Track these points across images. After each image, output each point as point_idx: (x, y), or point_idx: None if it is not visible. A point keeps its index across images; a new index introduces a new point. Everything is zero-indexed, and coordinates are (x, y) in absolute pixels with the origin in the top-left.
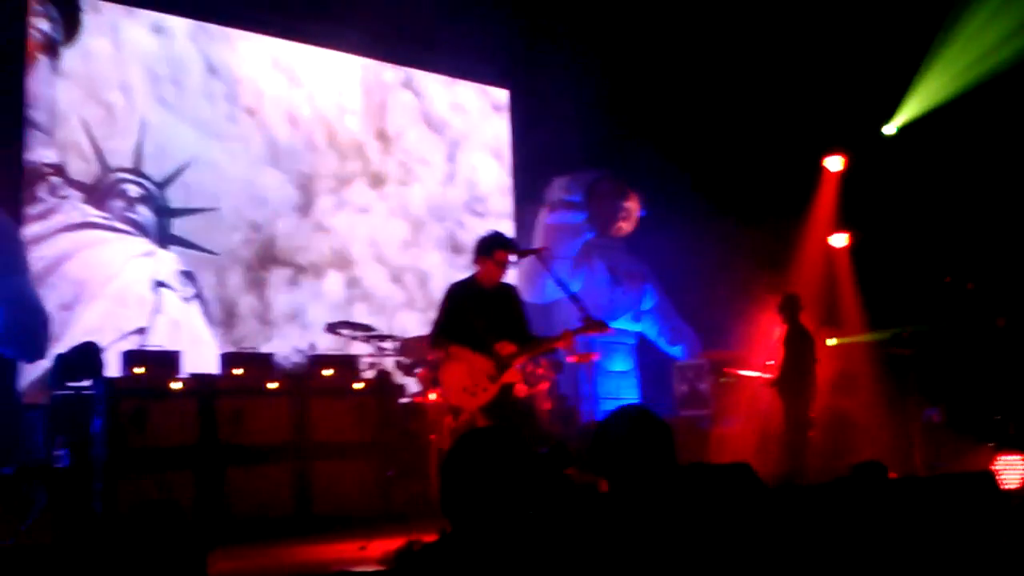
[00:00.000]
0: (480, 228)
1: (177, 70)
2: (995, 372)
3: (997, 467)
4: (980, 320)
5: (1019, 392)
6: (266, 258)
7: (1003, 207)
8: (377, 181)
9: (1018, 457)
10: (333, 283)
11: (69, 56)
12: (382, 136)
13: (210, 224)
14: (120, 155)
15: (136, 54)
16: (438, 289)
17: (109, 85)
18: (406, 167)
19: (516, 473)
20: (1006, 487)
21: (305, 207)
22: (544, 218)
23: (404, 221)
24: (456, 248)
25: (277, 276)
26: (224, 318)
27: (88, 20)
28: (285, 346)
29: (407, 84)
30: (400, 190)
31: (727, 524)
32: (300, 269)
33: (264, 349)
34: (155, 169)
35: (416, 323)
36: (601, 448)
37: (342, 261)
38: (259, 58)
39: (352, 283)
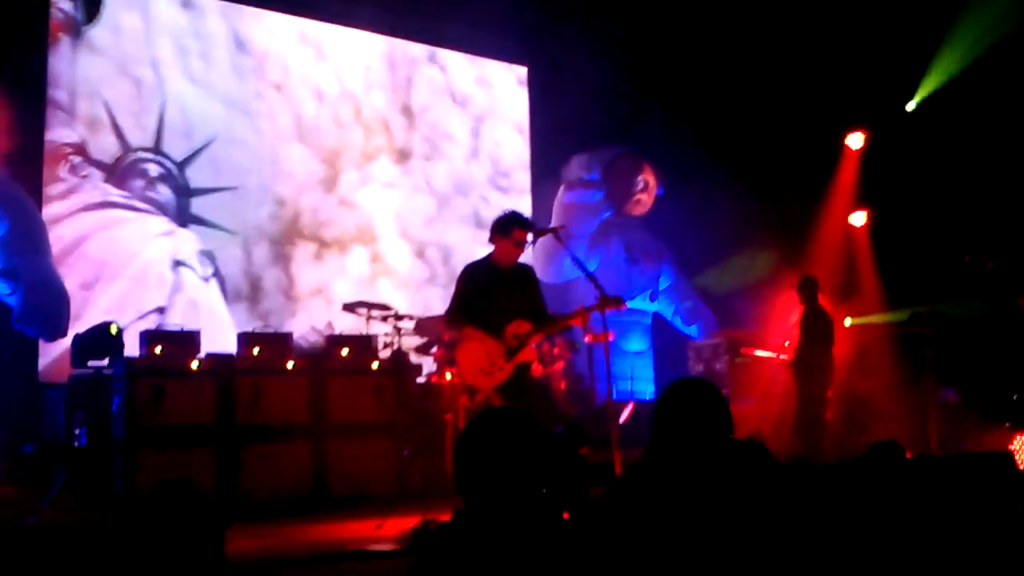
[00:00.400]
0: (504, 203)
1: (206, 45)
2: (1012, 352)
3: (1014, 447)
4: (1000, 299)
5: None
6: (291, 233)
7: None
8: (402, 156)
9: None
10: (357, 258)
11: (90, 36)
12: (407, 111)
13: (231, 202)
14: (141, 134)
15: (159, 32)
16: (461, 265)
17: (131, 64)
18: (431, 142)
19: (530, 453)
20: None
21: (330, 182)
22: (561, 196)
23: (428, 196)
24: (480, 223)
25: (302, 251)
26: (250, 292)
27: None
28: (310, 321)
29: (432, 59)
30: (424, 165)
31: (740, 502)
32: (324, 244)
33: (288, 324)
34: (176, 148)
35: (439, 299)
36: (662, 419)
37: (366, 236)
38: (285, 34)
39: (376, 258)
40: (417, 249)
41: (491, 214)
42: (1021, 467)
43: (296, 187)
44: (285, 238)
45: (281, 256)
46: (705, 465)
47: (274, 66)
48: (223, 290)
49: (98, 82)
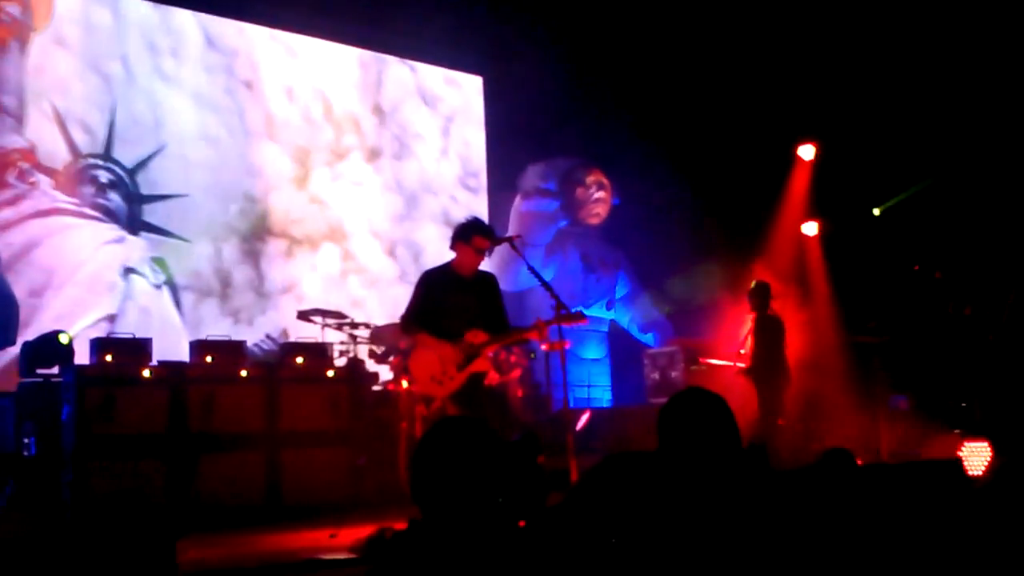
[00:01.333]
0: (473, 203)
1: (173, 42)
2: (961, 359)
3: (963, 454)
4: (947, 308)
5: (985, 379)
6: (261, 230)
7: (971, 198)
8: (372, 155)
9: (984, 444)
10: (328, 256)
11: (40, 41)
12: (377, 110)
13: (185, 208)
14: (91, 140)
15: (111, 35)
16: (431, 263)
17: (81, 69)
18: (400, 141)
19: (485, 462)
20: (972, 473)
21: (301, 180)
22: (518, 205)
23: (398, 195)
24: (449, 222)
25: (272, 248)
26: (220, 289)
27: (61, 4)
28: (280, 318)
29: (402, 59)
30: (394, 164)
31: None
32: (295, 241)
33: (259, 321)
34: (127, 154)
35: (408, 297)
36: (666, 429)
37: (337, 234)
38: (256, 32)
39: (346, 256)
40: (387, 247)
41: (460, 213)
42: (969, 474)
43: (266, 184)
44: (255, 235)
45: (251, 253)
46: (708, 475)
47: (244, 64)
48: (175, 297)
49: (48, 87)
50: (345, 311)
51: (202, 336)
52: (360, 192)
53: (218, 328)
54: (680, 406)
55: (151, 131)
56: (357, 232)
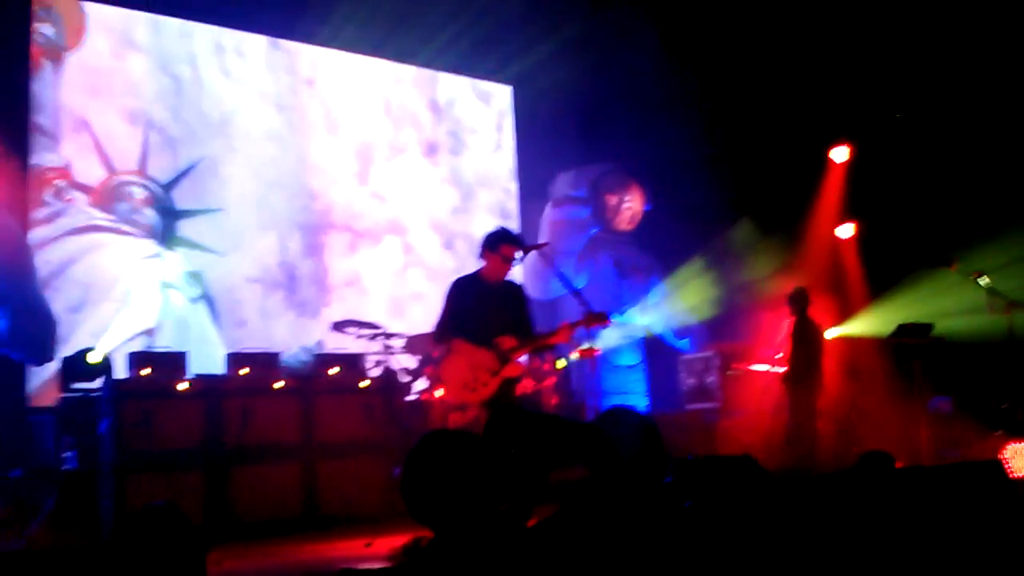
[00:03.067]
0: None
1: (239, 43)
2: (1003, 360)
3: (1006, 455)
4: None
5: None
6: (325, 224)
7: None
8: (430, 149)
9: None
10: (389, 249)
11: (73, 60)
12: (434, 106)
13: (219, 221)
14: (126, 157)
15: (145, 53)
16: None
17: (115, 86)
18: (456, 136)
19: (474, 473)
20: (1015, 475)
21: (362, 175)
22: (549, 213)
23: (455, 188)
24: (505, 214)
25: (336, 241)
26: (286, 282)
27: (93, 24)
28: (344, 311)
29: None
30: (451, 158)
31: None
32: (357, 235)
33: (324, 312)
34: (161, 171)
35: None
36: (590, 449)
37: (397, 228)
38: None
39: (407, 249)
40: (445, 241)
41: (515, 206)
42: (1011, 476)
43: (328, 179)
44: (319, 229)
45: (315, 247)
46: (643, 486)
47: (306, 62)
48: (212, 310)
49: (82, 106)
50: (407, 304)
51: (268, 337)
52: (418, 186)
53: (283, 320)
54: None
55: (187, 147)
56: (416, 226)
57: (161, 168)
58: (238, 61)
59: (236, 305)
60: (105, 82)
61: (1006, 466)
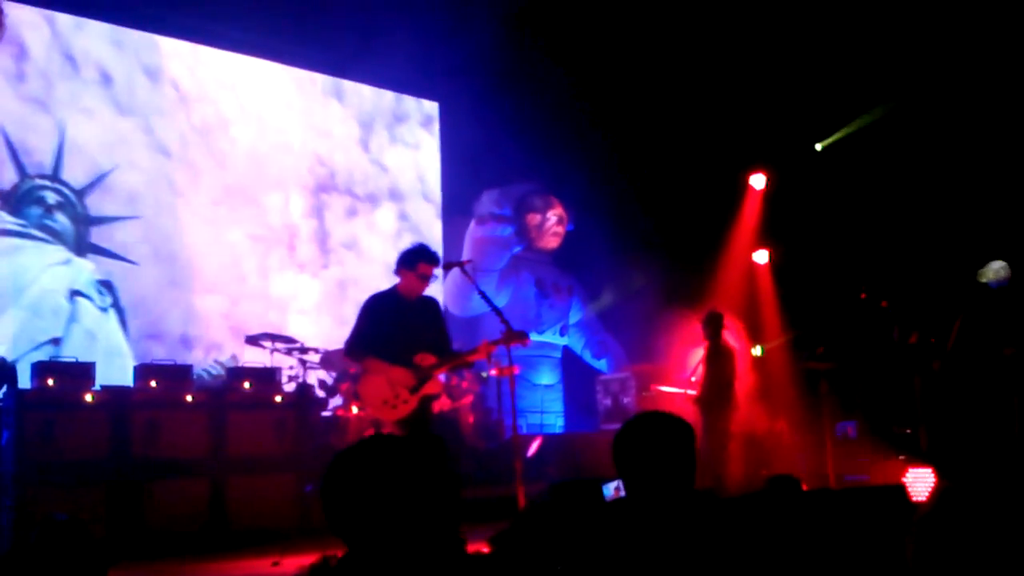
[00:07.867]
0: None
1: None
2: (907, 386)
3: (907, 480)
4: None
5: (929, 406)
6: (328, 187)
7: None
8: (428, 121)
9: (928, 470)
10: (386, 215)
11: None
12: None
13: (132, 229)
14: (39, 161)
15: (65, 54)
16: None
17: (29, 88)
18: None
19: (400, 484)
20: (916, 499)
21: (364, 142)
22: (472, 231)
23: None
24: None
25: (337, 203)
26: (288, 241)
27: (13, 22)
28: (341, 273)
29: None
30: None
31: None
32: (357, 199)
33: (322, 274)
34: (76, 176)
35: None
36: (621, 453)
37: (394, 195)
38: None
39: (402, 216)
40: (438, 211)
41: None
42: (913, 500)
43: (334, 144)
44: (322, 191)
45: (317, 208)
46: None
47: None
48: (122, 320)
49: None
50: None
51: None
52: (415, 156)
53: (281, 278)
54: (636, 431)
55: (101, 152)
56: (412, 194)
57: (74, 175)
58: (157, 61)
59: (147, 316)
60: (21, 83)
61: (908, 490)
